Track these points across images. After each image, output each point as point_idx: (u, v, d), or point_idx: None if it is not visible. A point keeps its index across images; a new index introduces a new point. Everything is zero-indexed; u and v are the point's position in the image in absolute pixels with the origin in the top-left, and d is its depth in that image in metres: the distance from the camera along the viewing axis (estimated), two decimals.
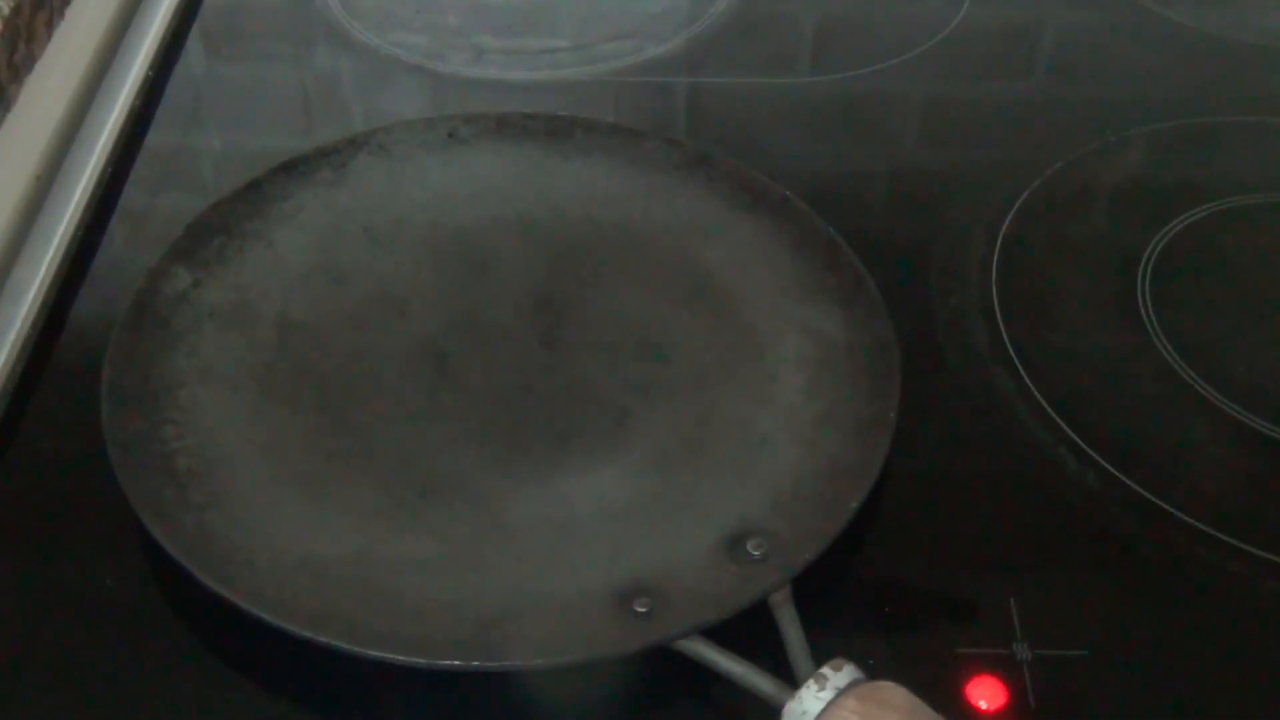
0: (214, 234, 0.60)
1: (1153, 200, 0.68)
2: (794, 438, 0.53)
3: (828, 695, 0.42)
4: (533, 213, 0.62)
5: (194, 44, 0.78)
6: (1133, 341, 0.61)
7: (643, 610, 0.47)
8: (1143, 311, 0.62)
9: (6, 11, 0.66)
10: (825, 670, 0.43)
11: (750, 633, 0.46)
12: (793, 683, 0.44)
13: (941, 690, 0.46)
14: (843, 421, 0.53)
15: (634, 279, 0.61)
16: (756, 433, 0.54)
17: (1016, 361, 0.59)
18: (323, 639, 0.45)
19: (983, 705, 0.47)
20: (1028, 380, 0.58)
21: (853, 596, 0.50)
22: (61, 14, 0.72)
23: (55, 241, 0.64)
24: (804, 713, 0.42)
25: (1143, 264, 0.64)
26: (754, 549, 0.49)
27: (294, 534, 0.50)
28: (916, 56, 0.78)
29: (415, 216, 0.62)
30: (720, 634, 0.45)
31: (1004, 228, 0.66)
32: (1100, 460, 0.55)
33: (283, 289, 0.59)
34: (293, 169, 0.63)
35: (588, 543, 0.51)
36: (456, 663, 0.45)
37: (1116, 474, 0.55)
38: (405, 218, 0.61)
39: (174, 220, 0.61)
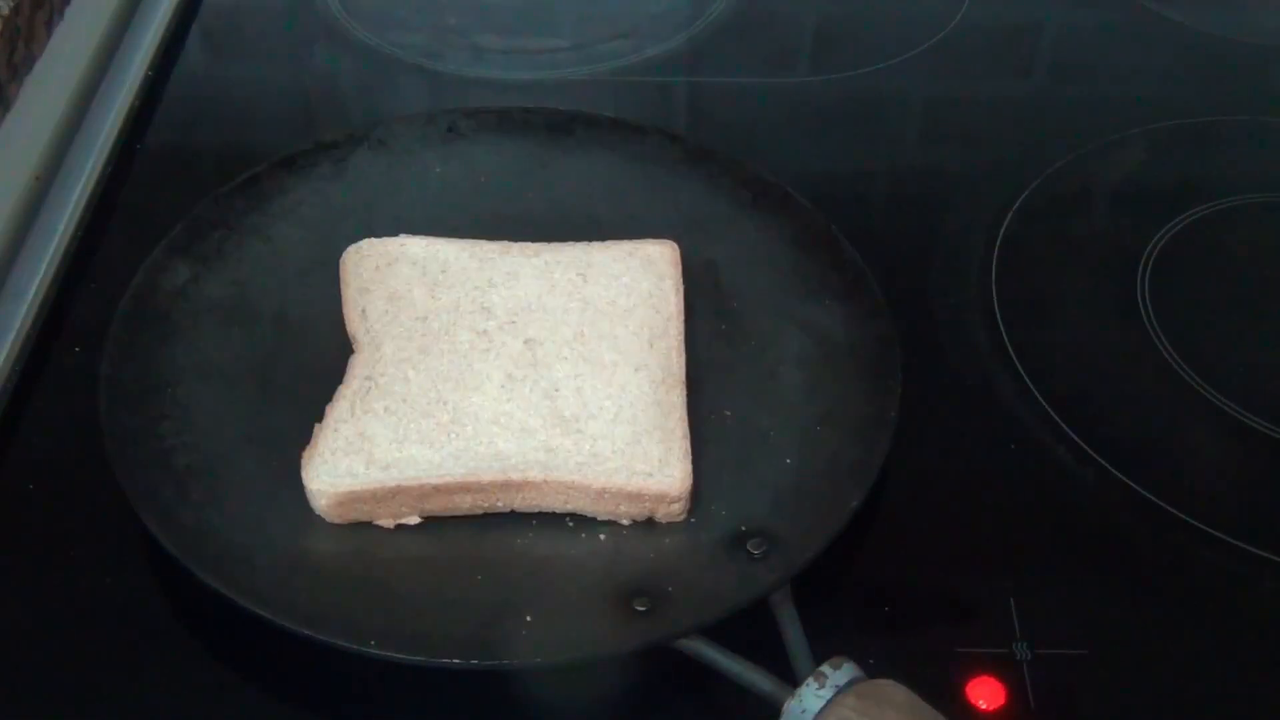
0: (213, 228, 0.60)
1: (1153, 200, 0.68)
2: (794, 437, 0.53)
3: (827, 693, 0.42)
4: (532, 208, 0.62)
5: (194, 44, 0.78)
6: (1133, 341, 0.61)
7: (643, 610, 0.47)
8: (1143, 311, 0.62)
9: (6, 11, 0.66)
10: (825, 669, 0.43)
11: (750, 632, 0.46)
12: (792, 681, 0.44)
13: (941, 690, 0.46)
14: (843, 420, 0.53)
15: None
16: (756, 431, 0.54)
17: (1016, 361, 0.59)
18: (321, 637, 0.45)
19: (983, 705, 0.47)
20: (1028, 380, 0.58)
21: (852, 596, 0.50)
22: (61, 14, 0.72)
23: (55, 241, 0.64)
24: (804, 711, 0.42)
25: (1143, 264, 0.64)
26: (754, 549, 0.48)
27: (293, 532, 0.50)
28: (916, 56, 0.78)
29: (414, 211, 0.61)
30: (720, 633, 0.45)
31: (1004, 228, 0.66)
32: (1100, 460, 0.55)
33: (282, 284, 0.59)
34: (292, 163, 0.63)
35: (588, 542, 0.51)
36: (456, 661, 0.45)
37: (1116, 474, 0.55)
38: (404, 213, 0.61)
39: (174, 221, 0.61)
